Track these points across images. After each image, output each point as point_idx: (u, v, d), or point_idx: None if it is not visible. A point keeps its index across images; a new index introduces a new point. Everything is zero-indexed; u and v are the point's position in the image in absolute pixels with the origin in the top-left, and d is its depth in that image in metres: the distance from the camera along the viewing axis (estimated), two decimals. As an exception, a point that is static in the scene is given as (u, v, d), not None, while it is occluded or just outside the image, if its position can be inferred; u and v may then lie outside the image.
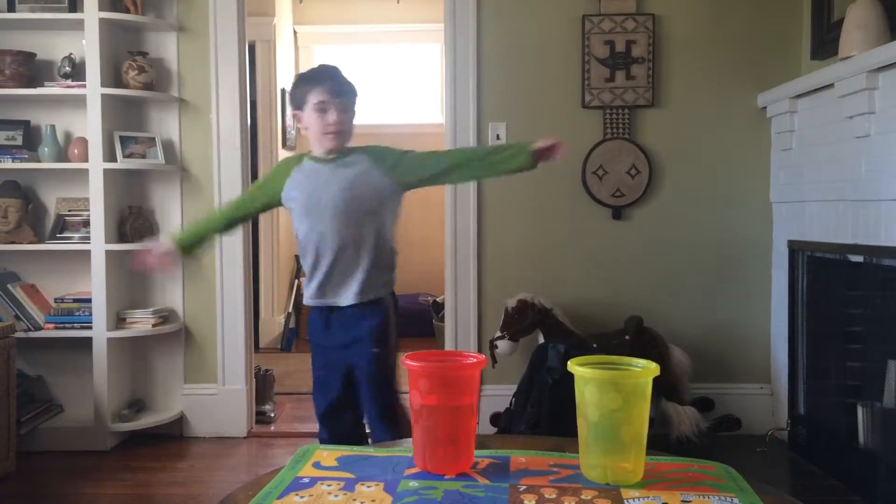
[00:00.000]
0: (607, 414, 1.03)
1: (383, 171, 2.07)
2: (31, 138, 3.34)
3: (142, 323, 3.30)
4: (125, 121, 3.38)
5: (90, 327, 3.21)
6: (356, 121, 2.12)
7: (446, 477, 1.04)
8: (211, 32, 3.38)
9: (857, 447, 2.71)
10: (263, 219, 5.32)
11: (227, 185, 3.40)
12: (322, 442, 2.07)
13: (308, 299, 2.12)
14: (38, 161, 3.26)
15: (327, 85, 2.04)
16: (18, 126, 3.31)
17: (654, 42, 3.35)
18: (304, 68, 6.33)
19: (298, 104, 2.10)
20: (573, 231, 3.43)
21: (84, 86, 3.20)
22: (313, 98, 2.03)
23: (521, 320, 3.15)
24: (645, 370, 1.06)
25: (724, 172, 3.40)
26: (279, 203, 2.11)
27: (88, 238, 3.23)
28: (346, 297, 2.06)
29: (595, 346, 3.00)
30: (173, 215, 3.43)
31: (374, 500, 0.96)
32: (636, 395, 1.03)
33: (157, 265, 2.16)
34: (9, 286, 3.23)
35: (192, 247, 2.13)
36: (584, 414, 1.05)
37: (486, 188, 3.41)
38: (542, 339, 3.15)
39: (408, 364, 1.09)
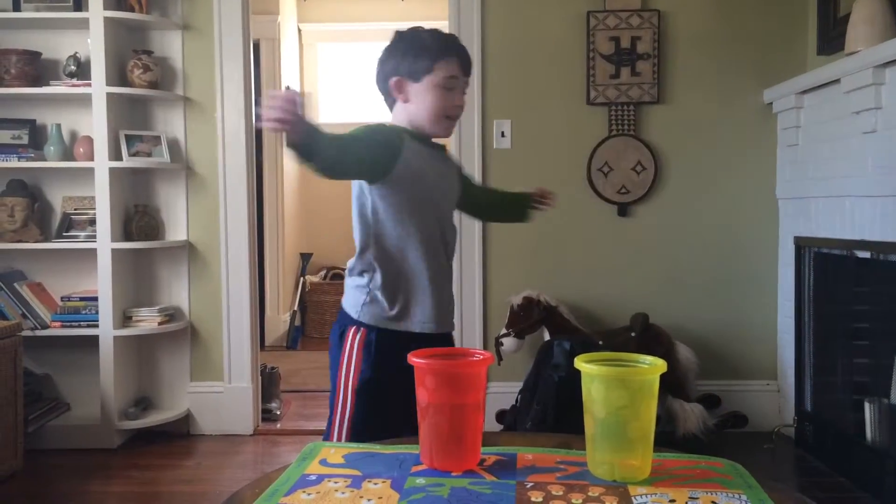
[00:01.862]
0: (614, 411, 1.03)
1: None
2: (36, 137, 3.34)
3: (148, 321, 3.31)
4: (130, 119, 3.38)
5: (97, 325, 3.22)
6: None
7: (453, 474, 1.04)
8: (216, 31, 3.38)
9: (864, 444, 2.71)
10: (268, 217, 5.32)
11: (232, 183, 3.41)
12: None
13: (417, 324, 1.65)
14: (44, 160, 3.27)
15: (463, 59, 1.70)
16: (24, 125, 3.31)
17: (660, 38, 3.34)
18: (308, 67, 6.35)
19: (413, 72, 1.66)
20: (578, 228, 3.42)
21: (89, 84, 3.21)
22: (443, 70, 1.65)
23: (527, 318, 3.15)
24: (652, 367, 1.05)
25: (730, 168, 3.39)
26: (385, 174, 1.59)
27: (94, 236, 3.24)
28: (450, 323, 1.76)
29: (601, 343, 3.00)
30: (179, 213, 3.44)
31: (381, 497, 0.96)
32: (643, 392, 1.03)
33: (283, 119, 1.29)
34: (15, 285, 3.24)
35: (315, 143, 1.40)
36: (590, 411, 1.05)
37: (490, 186, 3.40)
38: (547, 337, 3.15)
39: (414, 361, 1.08)
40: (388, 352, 1.61)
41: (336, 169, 1.51)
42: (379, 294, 1.63)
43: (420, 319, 1.64)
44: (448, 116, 1.68)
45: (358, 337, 1.64)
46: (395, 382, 1.52)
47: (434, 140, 1.73)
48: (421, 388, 1.08)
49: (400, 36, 1.71)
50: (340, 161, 1.50)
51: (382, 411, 1.58)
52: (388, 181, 1.60)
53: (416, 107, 1.68)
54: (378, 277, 1.63)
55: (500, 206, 2.08)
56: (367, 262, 1.64)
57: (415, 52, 1.66)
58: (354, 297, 1.67)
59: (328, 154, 1.43)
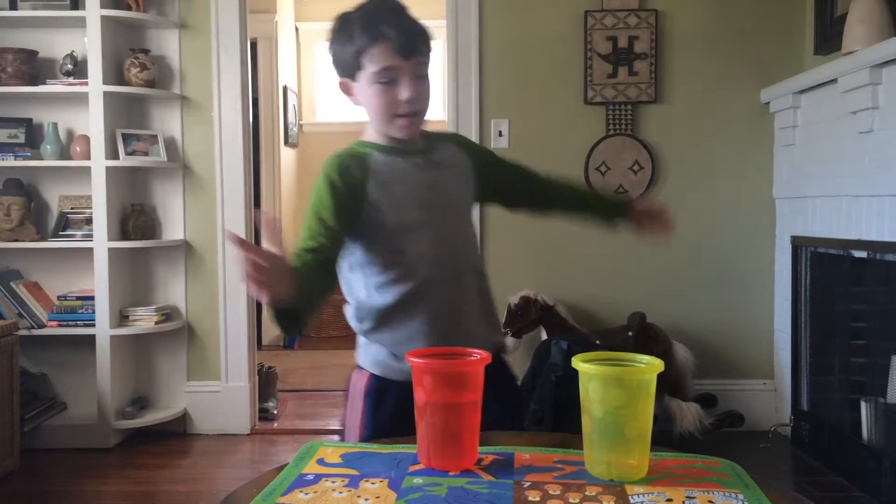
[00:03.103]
0: (611, 410, 1.03)
1: (471, 171, 1.49)
2: (33, 136, 3.34)
3: (145, 320, 3.30)
4: (127, 118, 3.38)
5: (93, 325, 3.21)
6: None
7: (450, 473, 1.04)
8: (213, 29, 3.38)
9: (860, 443, 2.71)
10: (265, 215, 5.31)
11: (229, 182, 3.40)
12: None
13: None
14: (41, 159, 3.27)
15: (397, 39, 1.32)
16: (21, 124, 3.31)
17: (657, 38, 3.34)
18: (305, 66, 6.34)
19: (347, 70, 1.37)
20: (576, 227, 3.40)
21: (86, 83, 3.20)
22: (373, 62, 1.32)
23: (524, 317, 3.15)
24: (649, 366, 1.05)
25: (727, 168, 3.40)
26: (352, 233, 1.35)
27: (91, 236, 3.23)
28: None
29: (598, 342, 3.00)
30: (176, 212, 3.43)
31: (378, 497, 0.96)
32: (641, 392, 1.03)
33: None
34: (12, 284, 3.23)
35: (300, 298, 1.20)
36: (588, 410, 1.05)
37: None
38: (544, 336, 3.15)
39: (412, 361, 1.08)
40: (389, 400, 1.37)
41: (327, 297, 1.31)
42: (374, 341, 1.40)
43: None
44: (398, 115, 1.36)
45: (356, 378, 1.43)
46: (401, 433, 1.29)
47: (426, 134, 1.45)
48: (419, 387, 1.08)
49: (334, 22, 1.39)
50: (323, 295, 1.29)
51: None
52: (355, 231, 1.35)
53: (366, 108, 1.40)
54: (366, 325, 1.39)
55: (574, 201, 1.63)
56: (352, 312, 1.42)
57: (342, 45, 1.36)
58: (358, 338, 1.44)
59: (315, 295, 1.26)
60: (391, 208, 1.35)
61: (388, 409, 1.37)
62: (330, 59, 1.41)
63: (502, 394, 1.45)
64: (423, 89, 1.37)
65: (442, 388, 1.07)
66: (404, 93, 1.33)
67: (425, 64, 1.37)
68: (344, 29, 1.36)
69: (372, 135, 1.43)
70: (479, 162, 1.52)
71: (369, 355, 1.42)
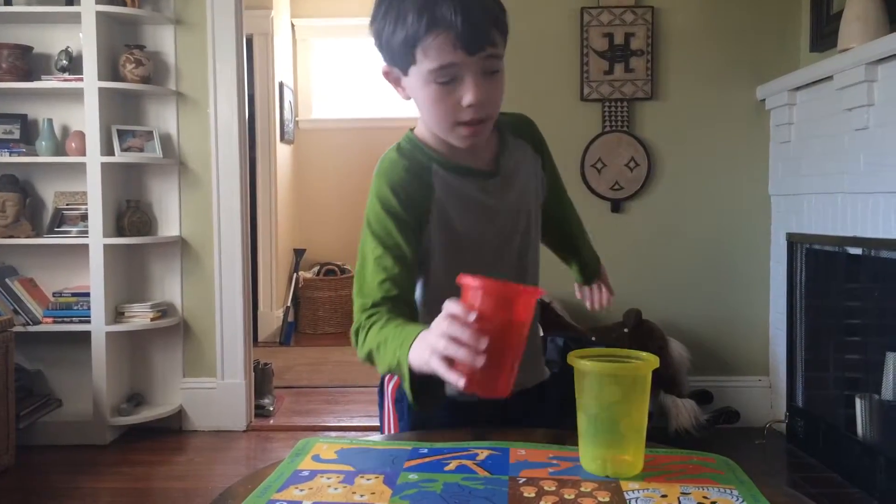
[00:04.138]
0: (607, 406, 1.03)
1: (541, 184, 1.33)
2: (28, 132, 3.33)
3: (140, 317, 3.30)
4: (123, 114, 3.37)
5: (89, 321, 3.21)
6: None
7: (445, 469, 1.04)
8: (208, 26, 3.37)
9: (855, 439, 2.72)
10: (261, 212, 5.31)
11: (224, 178, 3.40)
12: None
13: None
14: (36, 155, 3.26)
15: (460, 27, 1.06)
16: (15, 120, 3.30)
17: (653, 35, 3.34)
18: (301, 62, 6.33)
19: (395, 60, 1.12)
20: (572, 224, 3.42)
21: (81, 79, 3.19)
22: (429, 56, 1.07)
23: (520, 313, 3.14)
24: (645, 362, 1.05)
25: (723, 165, 3.40)
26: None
27: (86, 232, 3.22)
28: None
29: (594, 339, 3.01)
30: (172, 209, 3.42)
31: (373, 493, 0.96)
32: (636, 388, 1.03)
33: None
34: (7, 280, 3.22)
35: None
36: (583, 407, 1.05)
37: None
38: (540, 333, 3.15)
39: (465, 282, 0.95)
40: (424, 415, 1.19)
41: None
42: None
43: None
44: (460, 122, 1.12)
45: (391, 385, 1.27)
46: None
47: (496, 123, 1.22)
48: (467, 305, 0.95)
49: None
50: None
51: None
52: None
53: (419, 108, 1.16)
54: None
55: (569, 251, 1.64)
56: None
57: (389, 26, 1.08)
58: None
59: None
60: (446, 251, 1.16)
61: (425, 420, 1.22)
62: (372, 38, 1.13)
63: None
64: (493, 89, 1.14)
65: (494, 308, 0.96)
66: (468, 96, 1.10)
67: (497, 57, 1.14)
68: (392, 4, 1.08)
69: (428, 135, 1.19)
70: (547, 181, 1.36)
71: None
